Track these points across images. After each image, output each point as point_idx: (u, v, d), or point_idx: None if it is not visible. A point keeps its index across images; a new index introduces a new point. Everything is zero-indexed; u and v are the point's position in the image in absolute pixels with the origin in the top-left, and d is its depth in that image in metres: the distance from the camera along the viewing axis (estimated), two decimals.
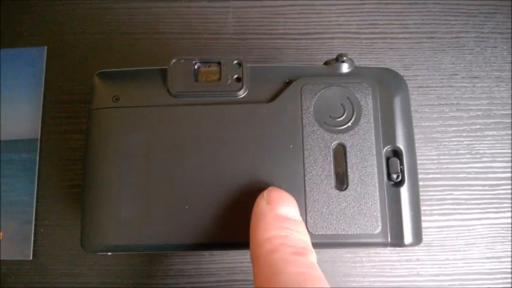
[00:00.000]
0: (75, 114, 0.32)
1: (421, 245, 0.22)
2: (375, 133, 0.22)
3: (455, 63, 0.33)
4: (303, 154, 0.22)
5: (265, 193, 0.20)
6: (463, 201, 0.31)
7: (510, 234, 0.30)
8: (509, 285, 0.30)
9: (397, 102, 0.23)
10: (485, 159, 0.31)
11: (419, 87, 0.32)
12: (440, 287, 0.30)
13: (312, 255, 0.19)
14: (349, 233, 0.21)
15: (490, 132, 0.32)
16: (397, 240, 0.21)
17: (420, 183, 0.23)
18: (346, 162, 0.22)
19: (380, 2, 0.33)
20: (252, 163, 0.22)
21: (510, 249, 0.30)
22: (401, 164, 0.22)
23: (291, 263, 0.18)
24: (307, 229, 0.21)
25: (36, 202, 0.30)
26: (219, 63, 0.23)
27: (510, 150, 0.31)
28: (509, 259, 0.30)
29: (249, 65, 0.23)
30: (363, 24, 0.33)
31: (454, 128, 0.32)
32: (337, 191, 0.21)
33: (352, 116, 0.22)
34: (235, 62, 0.23)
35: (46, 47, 0.33)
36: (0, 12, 0.33)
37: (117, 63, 0.32)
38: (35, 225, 0.30)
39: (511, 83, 0.32)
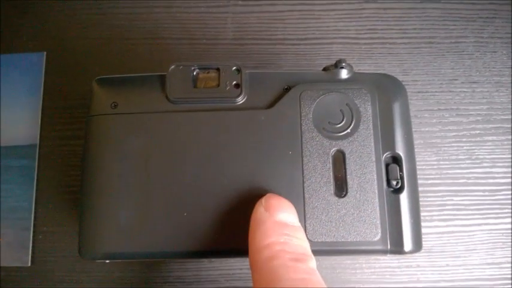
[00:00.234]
0: (75, 120, 0.32)
1: (422, 251, 0.22)
2: (374, 139, 0.22)
3: (455, 68, 0.33)
4: (302, 160, 0.22)
5: (263, 200, 0.20)
6: (463, 207, 0.30)
7: (510, 240, 0.30)
8: None
9: (396, 108, 0.23)
10: (485, 164, 0.31)
11: (419, 92, 0.32)
12: None
13: (312, 261, 0.19)
14: (349, 240, 0.21)
15: (490, 138, 0.31)
16: (397, 248, 0.21)
17: (420, 188, 0.23)
18: (345, 168, 0.22)
19: (379, 7, 0.33)
20: (250, 169, 0.22)
21: (510, 255, 0.30)
22: (401, 170, 0.22)
23: (291, 269, 0.18)
24: (307, 236, 0.21)
25: (35, 208, 0.30)
26: (218, 69, 0.23)
27: (510, 156, 0.31)
28: (510, 265, 0.30)
29: (247, 71, 0.23)
30: (362, 30, 0.33)
31: (454, 133, 0.31)
32: (337, 198, 0.21)
33: (351, 122, 0.22)
34: (234, 68, 0.23)
35: (45, 52, 0.33)
36: None
37: (116, 68, 0.32)
38: (34, 231, 0.30)
39: (510, 87, 0.32)
